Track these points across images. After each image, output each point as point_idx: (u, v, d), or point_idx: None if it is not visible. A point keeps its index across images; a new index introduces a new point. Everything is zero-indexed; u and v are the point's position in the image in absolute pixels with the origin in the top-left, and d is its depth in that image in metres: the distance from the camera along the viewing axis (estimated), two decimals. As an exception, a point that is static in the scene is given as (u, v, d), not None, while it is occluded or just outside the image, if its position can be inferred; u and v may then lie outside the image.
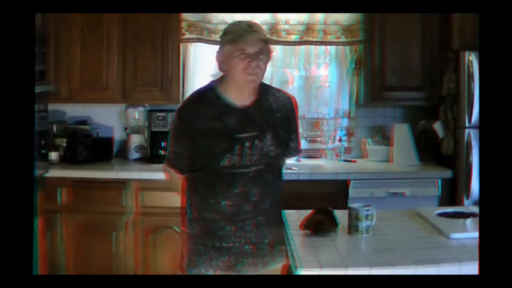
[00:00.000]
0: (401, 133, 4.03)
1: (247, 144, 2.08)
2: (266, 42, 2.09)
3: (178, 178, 2.24)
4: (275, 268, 2.21)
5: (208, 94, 2.14)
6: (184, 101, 2.28)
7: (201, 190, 2.14)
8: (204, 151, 2.09)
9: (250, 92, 2.13)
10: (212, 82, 2.21)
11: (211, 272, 2.13)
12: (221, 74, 2.19)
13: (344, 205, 2.66)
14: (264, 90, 2.19)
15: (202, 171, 2.12)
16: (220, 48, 2.11)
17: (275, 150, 2.13)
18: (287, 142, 2.23)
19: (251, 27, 2.07)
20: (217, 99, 2.12)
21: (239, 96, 2.12)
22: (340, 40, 4.13)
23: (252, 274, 2.13)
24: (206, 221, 2.13)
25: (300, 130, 4.14)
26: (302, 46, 4.15)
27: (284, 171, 2.31)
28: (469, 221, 2.39)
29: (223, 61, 2.10)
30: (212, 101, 2.12)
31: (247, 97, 2.13)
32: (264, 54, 2.08)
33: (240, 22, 2.13)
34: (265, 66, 2.11)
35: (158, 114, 4.03)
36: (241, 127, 2.09)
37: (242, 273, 2.12)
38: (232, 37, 2.05)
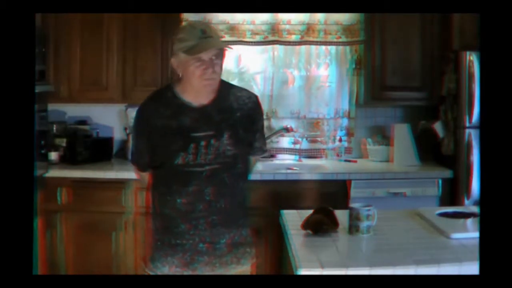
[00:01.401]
0: (401, 133, 4.02)
1: (203, 143, 2.07)
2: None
3: (145, 176, 2.26)
4: (240, 270, 2.17)
5: (166, 93, 2.15)
6: (144, 99, 2.27)
7: (160, 187, 2.15)
8: (160, 148, 2.11)
9: (208, 92, 2.12)
10: (171, 82, 2.22)
11: (166, 268, 2.14)
12: None
13: (344, 205, 2.67)
14: (225, 89, 2.17)
15: (160, 169, 2.14)
16: (175, 55, 2.08)
17: (232, 150, 2.10)
18: (251, 141, 2.21)
19: (204, 32, 2.03)
20: (174, 98, 2.12)
21: (196, 96, 2.11)
22: (340, 40, 4.13)
23: (211, 273, 2.11)
24: (164, 218, 2.14)
25: (301, 130, 4.23)
26: (303, 46, 4.15)
27: (252, 172, 2.28)
28: (469, 221, 2.40)
29: (179, 66, 2.09)
30: (169, 100, 2.12)
31: (205, 97, 2.12)
32: (219, 58, 2.06)
33: (193, 27, 2.07)
34: (221, 69, 2.10)
35: (158, 114, 4.02)
36: (197, 126, 2.08)
37: (198, 272, 2.10)
38: (186, 46, 2.02)
